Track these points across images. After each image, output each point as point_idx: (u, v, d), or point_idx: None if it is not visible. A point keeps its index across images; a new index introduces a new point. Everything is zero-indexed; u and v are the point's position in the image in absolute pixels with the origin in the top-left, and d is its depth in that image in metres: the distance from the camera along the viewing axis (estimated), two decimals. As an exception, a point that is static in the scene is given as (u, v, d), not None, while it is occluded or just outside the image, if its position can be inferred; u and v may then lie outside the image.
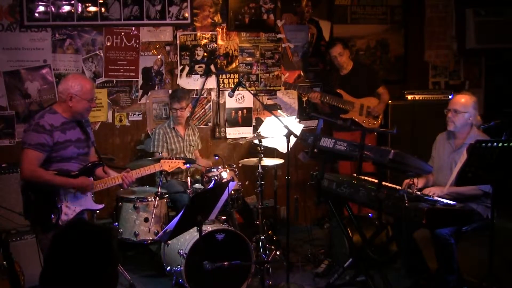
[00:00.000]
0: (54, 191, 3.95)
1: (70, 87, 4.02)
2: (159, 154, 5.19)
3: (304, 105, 6.35)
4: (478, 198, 4.25)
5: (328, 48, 6.08)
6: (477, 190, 4.20)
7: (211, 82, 6.09)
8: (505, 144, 3.58)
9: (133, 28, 5.70)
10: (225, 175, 5.00)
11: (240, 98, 6.19)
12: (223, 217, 4.82)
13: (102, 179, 4.18)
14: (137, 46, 5.73)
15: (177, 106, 5.40)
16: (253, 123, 6.26)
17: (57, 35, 5.43)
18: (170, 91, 5.85)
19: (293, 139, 4.85)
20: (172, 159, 4.66)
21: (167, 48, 5.87)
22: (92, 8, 5.51)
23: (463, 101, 4.40)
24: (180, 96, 5.47)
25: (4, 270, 3.68)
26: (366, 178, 4.50)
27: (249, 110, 6.26)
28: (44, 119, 3.95)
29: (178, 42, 5.90)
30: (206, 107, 6.10)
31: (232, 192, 4.92)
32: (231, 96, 5.35)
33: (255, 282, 4.63)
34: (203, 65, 6.03)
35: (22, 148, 3.96)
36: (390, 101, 6.16)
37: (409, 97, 6.43)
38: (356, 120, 5.90)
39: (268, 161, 5.27)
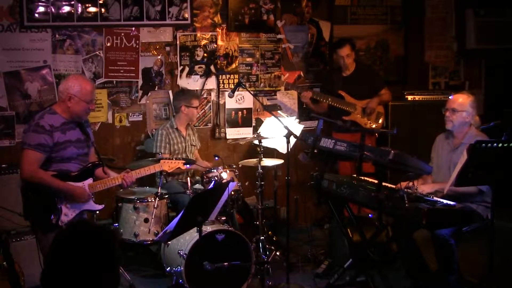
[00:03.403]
0: (54, 191, 3.95)
1: (70, 87, 4.02)
2: (160, 155, 5.19)
3: (304, 106, 6.35)
4: (474, 197, 4.25)
5: (336, 48, 6.02)
6: (472, 188, 4.20)
7: (211, 83, 6.09)
8: (505, 145, 3.58)
9: (133, 28, 5.70)
10: (225, 175, 5.00)
11: (240, 99, 6.19)
12: (223, 218, 4.82)
13: (101, 179, 4.18)
14: (137, 46, 5.73)
15: (196, 103, 5.50)
16: (253, 124, 6.26)
17: (57, 36, 5.43)
18: (170, 91, 5.86)
19: (293, 140, 4.85)
20: (172, 159, 4.66)
21: (167, 48, 5.87)
22: (92, 9, 5.51)
23: (461, 100, 4.42)
24: (196, 93, 5.61)
25: (4, 271, 3.68)
26: (366, 178, 4.50)
27: (249, 110, 6.26)
28: (43, 119, 3.95)
29: (178, 42, 5.90)
30: (206, 107, 6.10)
31: (232, 193, 4.93)
32: (231, 96, 5.35)
33: (255, 283, 4.62)
34: (203, 66, 6.03)
35: (22, 148, 3.96)
36: (390, 102, 6.16)
37: (409, 97, 6.43)
38: (358, 122, 5.88)
39: (268, 162, 5.27)
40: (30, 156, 3.89)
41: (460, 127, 4.44)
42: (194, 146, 5.61)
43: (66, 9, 5.42)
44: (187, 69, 5.97)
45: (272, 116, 4.85)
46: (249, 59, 6.23)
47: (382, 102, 6.00)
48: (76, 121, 4.10)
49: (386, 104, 6.13)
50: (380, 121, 5.96)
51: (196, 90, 6.01)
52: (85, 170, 4.11)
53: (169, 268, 4.56)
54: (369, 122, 5.88)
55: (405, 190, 4.02)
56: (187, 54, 5.95)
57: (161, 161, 4.59)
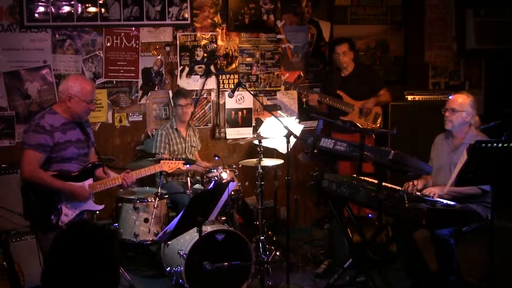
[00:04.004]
0: (54, 191, 3.95)
1: (70, 88, 4.01)
2: (159, 155, 5.19)
3: (304, 106, 6.35)
4: (477, 198, 4.26)
5: (334, 45, 6.03)
6: (476, 189, 4.21)
7: (211, 83, 6.09)
8: (505, 145, 3.58)
9: (133, 28, 5.70)
10: (225, 175, 5.00)
11: (240, 99, 6.19)
12: (223, 218, 4.82)
13: (102, 180, 4.18)
14: (137, 46, 5.73)
15: (183, 102, 5.44)
16: (253, 124, 6.26)
17: (57, 36, 5.43)
18: (170, 91, 5.86)
19: (293, 140, 4.85)
20: (172, 160, 4.66)
21: (167, 48, 5.88)
22: (92, 9, 5.51)
23: (460, 100, 4.42)
24: (185, 92, 5.57)
25: (4, 271, 3.68)
26: (366, 178, 4.49)
27: (249, 110, 6.26)
28: (44, 119, 3.95)
29: (178, 42, 5.90)
30: (206, 107, 6.10)
31: (232, 193, 4.93)
32: (231, 96, 5.35)
33: (255, 283, 4.62)
34: (203, 66, 6.03)
35: (22, 148, 3.96)
36: (390, 102, 6.15)
37: (409, 97, 6.43)
38: (355, 122, 5.87)
39: (268, 162, 5.27)
40: (30, 156, 3.89)
41: (460, 127, 4.44)
42: (194, 147, 5.61)
43: (66, 9, 5.42)
44: (187, 69, 5.97)
45: (272, 116, 4.85)
46: (249, 59, 6.23)
47: (380, 103, 5.98)
48: (76, 121, 4.10)
49: (385, 105, 6.12)
50: (378, 122, 5.95)
51: (196, 90, 6.01)
52: (85, 170, 4.11)
53: (169, 268, 4.56)
54: (366, 123, 5.87)
55: (405, 190, 4.02)
56: (187, 54, 5.95)
57: (161, 161, 4.59)
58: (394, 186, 4.29)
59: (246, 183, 5.97)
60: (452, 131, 4.50)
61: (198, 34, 5.98)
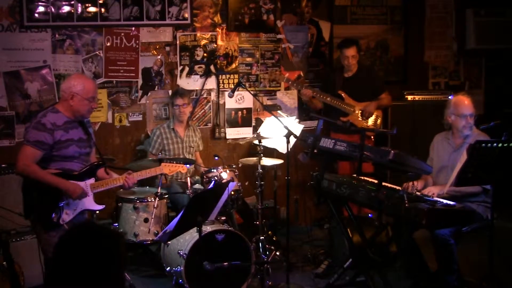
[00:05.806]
0: (55, 190, 3.94)
1: (72, 86, 4.02)
2: (152, 154, 5.20)
3: (304, 106, 6.35)
4: (478, 196, 4.26)
5: (342, 47, 5.92)
6: (477, 187, 4.21)
7: (211, 83, 6.09)
8: (505, 145, 3.59)
9: (133, 28, 5.70)
10: (225, 175, 5.00)
11: (240, 99, 6.19)
12: (223, 218, 4.82)
13: (103, 180, 4.18)
14: (137, 46, 5.73)
15: (179, 102, 5.44)
16: (253, 124, 6.25)
17: (57, 36, 5.43)
18: (170, 91, 5.86)
19: (293, 140, 4.85)
20: (173, 162, 4.65)
21: (167, 48, 5.88)
22: (92, 9, 5.51)
23: (471, 103, 4.44)
24: (182, 92, 5.57)
25: (4, 271, 3.68)
26: (366, 178, 4.49)
27: (249, 110, 6.26)
28: (46, 118, 3.96)
29: (178, 42, 5.90)
30: (206, 107, 6.10)
31: (232, 193, 4.93)
32: (231, 96, 5.35)
33: (255, 283, 4.62)
34: (203, 66, 6.03)
35: (22, 143, 3.98)
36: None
37: (409, 97, 6.43)
38: (355, 123, 5.85)
39: (268, 162, 5.27)
40: (27, 151, 3.90)
41: None
42: (192, 147, 5.60)
43: (66, 9, 5.42)
44: (187, 69, 5.97)
45: (272, 116, 4.85)
46: (249, 59, 6.22)
47: (381, 107, 5.97)
48: (78, 120, 4.11)
49: (386, 108, 6.11)
50: (378, 124, 5.94)
51: (196, 90, 6.01)
52: (87, 169, 4.11)
53: (169, 268, 4.56)
54: (366, 125, 5.85)
55: (405, 190, 4.02)
56: (187, 54, 5.95)
57: (162, 164, 4.59)
58: (394, 186, 4.29)
59: (246, 183, 5.97)
60: (450, 130, 4.52)
61: (198, 34, 5.98)
